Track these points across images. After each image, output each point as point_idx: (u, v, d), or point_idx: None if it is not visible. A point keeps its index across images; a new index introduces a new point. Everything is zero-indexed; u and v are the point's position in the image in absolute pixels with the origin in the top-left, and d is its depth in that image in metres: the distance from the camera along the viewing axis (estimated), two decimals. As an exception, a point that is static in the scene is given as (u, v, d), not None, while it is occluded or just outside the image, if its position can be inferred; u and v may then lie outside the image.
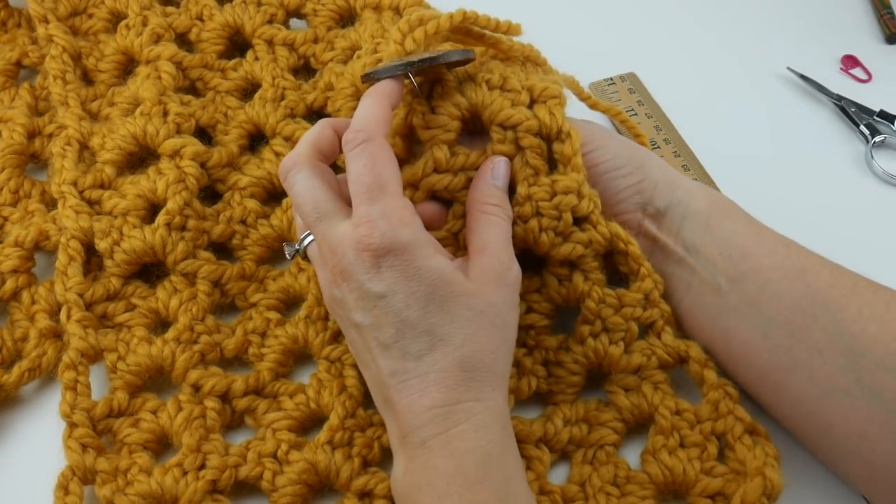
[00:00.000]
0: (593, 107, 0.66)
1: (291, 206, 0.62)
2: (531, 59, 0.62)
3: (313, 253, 0.57)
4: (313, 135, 0.58)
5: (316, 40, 0.76)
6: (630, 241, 0.61)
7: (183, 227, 0.66)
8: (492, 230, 0.57)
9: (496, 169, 0.59)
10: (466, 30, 0.60)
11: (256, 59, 0.75)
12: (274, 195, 0.71)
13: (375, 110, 0.55)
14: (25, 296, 0.66)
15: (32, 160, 0.73)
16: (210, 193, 0.70)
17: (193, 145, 0.69)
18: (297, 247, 0.58)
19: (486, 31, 0.61)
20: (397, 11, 0.77)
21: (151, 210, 0.67)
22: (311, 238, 0.57)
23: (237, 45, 0.78)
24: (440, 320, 0.52)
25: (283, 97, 0.73)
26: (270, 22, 0.77)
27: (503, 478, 0.51)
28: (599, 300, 0.60)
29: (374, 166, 0.53)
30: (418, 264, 0.52)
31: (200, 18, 0.77)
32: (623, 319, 0.61)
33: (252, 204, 0.69)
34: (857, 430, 0.55)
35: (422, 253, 0.52)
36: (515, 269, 0.56)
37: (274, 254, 0.69)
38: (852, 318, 0.56)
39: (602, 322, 0.61)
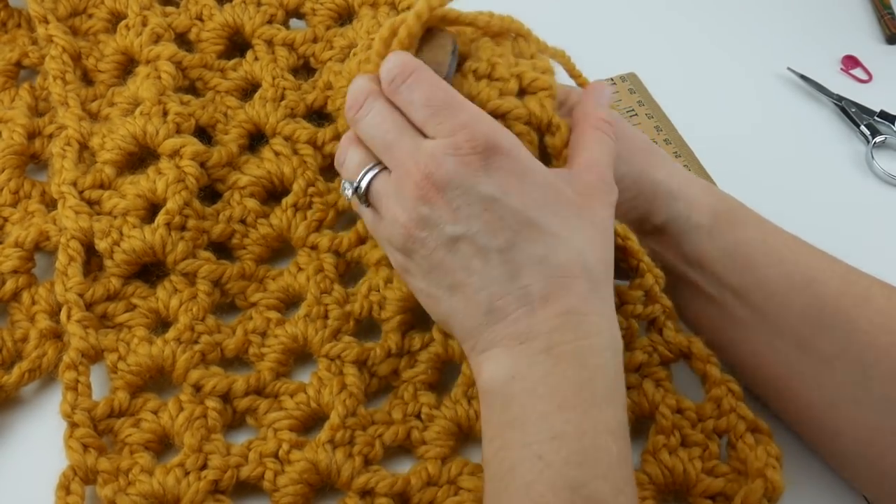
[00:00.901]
0: (584, 86, 0.65)
1: (342, 145, 0.57)
2: (513, 31, 0.60)
3: (382, 184, 0.53)
4: (369, 77, 0.55)
5: (315, 40, 0.76)
6: (628, 235, 0.60)
7: (183, 227, 0.65)
8: (602, 148, 0.54)
9: (602, 95, 0.57)
10: (441, 16, 0.59)
11: (256, 59, 0.75)
12: (274, 194, 0.70)
13: (406, 55, 0.54)
14: (26, 296, 0.65)
15: (32, 161, 0.73)
16: (210, 193, 0.70)
17: (193, 145, 0.68)
18: (357, 181, 0.54)
19: (461, 12, 0.59)
20: (393, 7, 0.76)
21: (151, 210, 0.67)
22: (376, 171, 0.54)
23: (237, 45, 0.78)
24: (558, 223, 0.50)
25: (283, 97, 0.73)
26: (270, 22, 0.77)
27: (621, 401, 0.49)
28: None
29: (439, 85, 0.52)
30: (527, 164, 0.50)
31: (200, 18, 0.77)
32: (623, 317, 0.60)
33: (252, 203, 0.68)
34: (866, 437, 0.54)
35: (527, 153, 0.50)
36: (616, 193, 0.54)
37: (274, 253, 0.69)
38: (863, 328, 0.54)
39: None
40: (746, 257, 0.58)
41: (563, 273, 0.49)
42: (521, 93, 0.56)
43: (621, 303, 0.60)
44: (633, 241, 0.60)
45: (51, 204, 0.70)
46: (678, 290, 0.61)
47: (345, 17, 0.79)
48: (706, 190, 0.61)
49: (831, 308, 0.55)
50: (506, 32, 0.59)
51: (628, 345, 0.60)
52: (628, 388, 0.60)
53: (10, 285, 0.65)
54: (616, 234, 0.60)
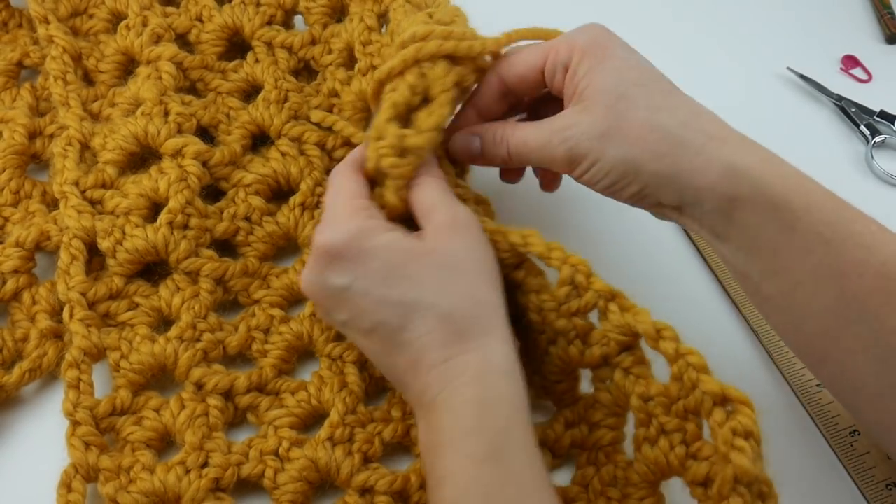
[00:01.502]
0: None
1: None
2: (420, 59, 0.59)
3: None
4: None
5: (314, 42, 0.76)
6: (527, 241, 0.58)
7: (185, 226, 0.66)
8: (432, 189, 0.58)
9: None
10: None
11: (257, 61, 0.75)
12: (279, 193, 0.70)
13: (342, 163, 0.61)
14: (26, 296, 0.65)
15: (34, 160, 0.73)
16: (214, 193, 0.70)
17: (195, 144, 0.68)
18: None
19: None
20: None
21: (154, 209, 0.67)
22: None
23: (236, 45, 0.78)
24: (406, 287, 0.53)
25: (286, 99, 0.73)
26: (270, 23, 0.76)
27: (497, 427, 0.50)
28: (537, 309, 0.58)
29: (330, 186, 0.59)
30: (367, 246, 0.54)
31: (200, 19, 0.77)
32: (565, 318, 0.57)
33: (257, 201, 0.68)
34: (888, 424, 0.53)
35: (367, 235, 0.54)
36: (463, 212, 0.57)
37: (278, 251, 0.69)
38: (891, 328, 0.51)
39: (551, 327, 0.58)
40: (771, 243, 0.54)
41: (421, 334, 0.53)
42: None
43: (559, 304, 0.58)
44: (536, 245, 0.57)
45: (52, 204, 0.70)
46: (713, 249, 0.58)
47: (338, 10, 0.78)
48: (723, 173, 0.54)
49: (858, 305, 0.52)
50: (415, 63, 0.59)
51: (585, 340, 0.57)
52: (608, 382, 0.57)
53: (10, 285, 0.65)
54: (518, 245, 0.58)
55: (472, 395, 0.51)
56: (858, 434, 0.63)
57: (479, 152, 0.62)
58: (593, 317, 0.57)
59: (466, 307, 0.53)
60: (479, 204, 0.64)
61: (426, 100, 0.59)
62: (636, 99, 0.57)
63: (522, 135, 0.60)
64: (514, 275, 0.59)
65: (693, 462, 0.52)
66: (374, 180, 0.60)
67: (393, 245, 0.54)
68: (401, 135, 0.57)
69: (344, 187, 0.58)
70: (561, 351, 0.58)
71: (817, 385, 0.66)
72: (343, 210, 0.56)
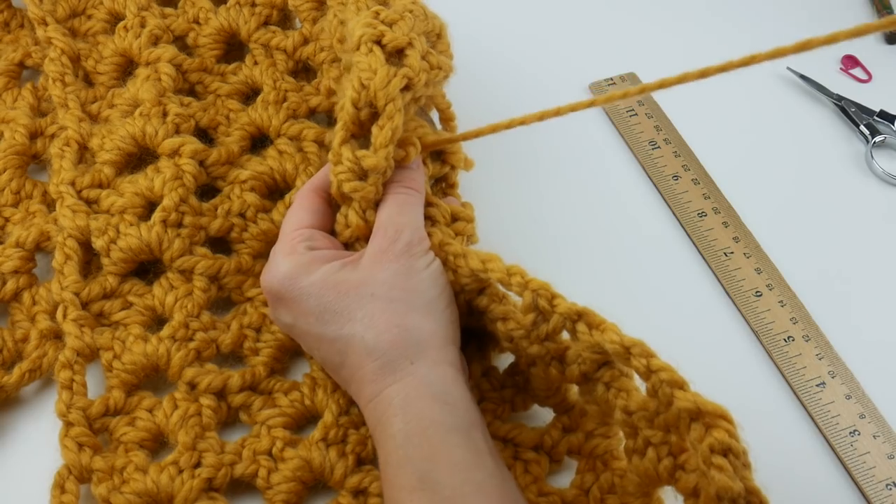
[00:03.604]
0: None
1: None
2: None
3: None
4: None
5: (306, 41, 0.75)
6: (489, 266, 0.56)
7: (179, 224, 0.65)
8: (387, 208, 0.58)
9: (418, 159, 0.61)
10: None
11: (256, 63, 0.75)
12: (276, 191, 0.70)
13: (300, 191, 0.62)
14: (26, 297, 0.66)
15: (34, 161, 0.73)
16: (212, 193, 0.69)
17: (192, 143, 0.69)
18: None
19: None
20: None
21: (149, 208, 0.67)
22: None
23: (234, 45, 0.78)
24: (339, 323, 0.54)
25: (285, 99, 0.73)
26: (267, 23, 0.76)
27: (422, 454, 0.50)
28: (508, 338, 0.57)
29: (289, 210, 0.60)
30: (300, 286, 0.55)
31: (197, 21, 0.77)
32: (537, 344, 0.56)
33: (252, 198, 0.68)
34: None
35: (301, 274, 0.56)
36: (405, 236, 0.56)
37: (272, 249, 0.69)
38: None
39: (526, 353, 0.57)
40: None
41: (356, 368, 0.54)
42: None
43: (528, 332, 0.56)
44: (495, 269, 0.55)
45: (52, 204, 0.70)
46: None
47: (325, 3, 0.75)
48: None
49: None
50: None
51: (562, 361, 0.56)
52: (594, 394, 0.56)
53: (10, 285, 0.65)
54: (477, 272, 0.56)
55: (397, 426, 0.51)
56: (858, 434, 0.63)
57: None
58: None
59: (392, 337, 0.53)
60: (458, 220, 0.62)
61: (377, 112, 0.57)
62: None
63: None
64: (478, 301, 0.58)
65: (682, 473, 0.50)
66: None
67: (326, 280, 0.55)
68: (356, 158, 0.57)
69: (291, 218, 0.60)
70: (541, 372, 0.57)
71: (817, 385, 0.65)
72: (282, 247, 0.58)
